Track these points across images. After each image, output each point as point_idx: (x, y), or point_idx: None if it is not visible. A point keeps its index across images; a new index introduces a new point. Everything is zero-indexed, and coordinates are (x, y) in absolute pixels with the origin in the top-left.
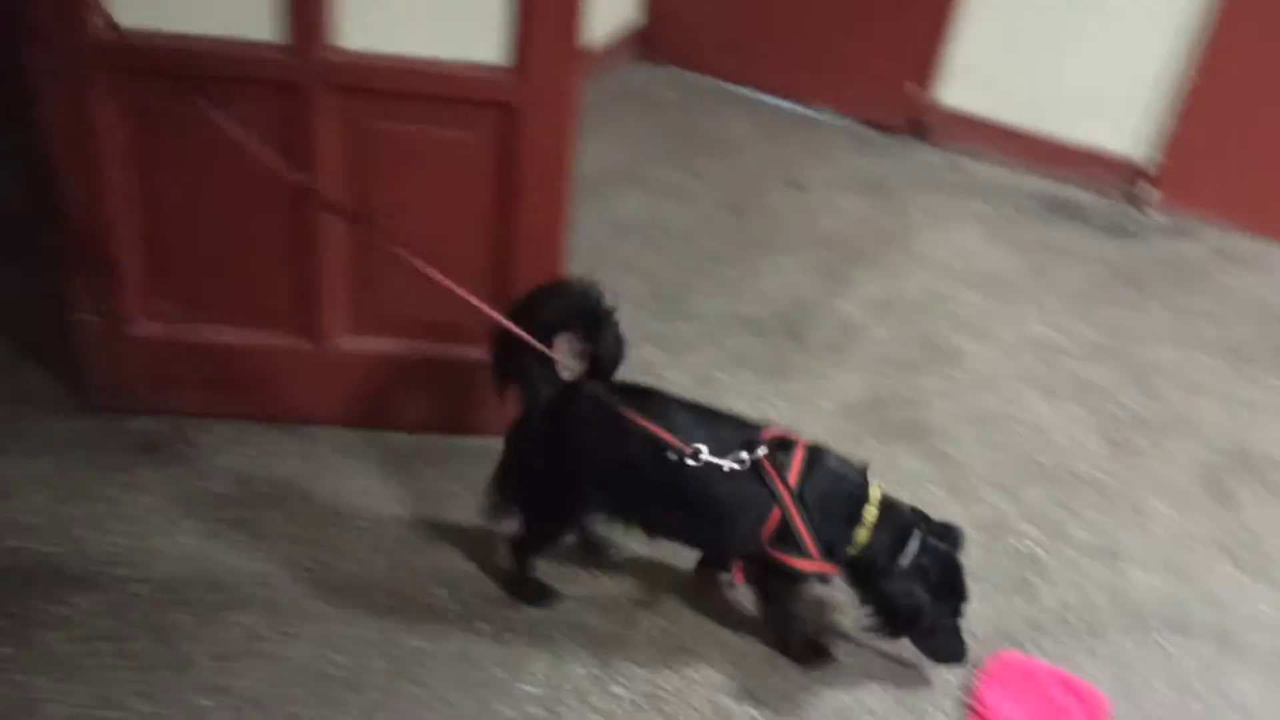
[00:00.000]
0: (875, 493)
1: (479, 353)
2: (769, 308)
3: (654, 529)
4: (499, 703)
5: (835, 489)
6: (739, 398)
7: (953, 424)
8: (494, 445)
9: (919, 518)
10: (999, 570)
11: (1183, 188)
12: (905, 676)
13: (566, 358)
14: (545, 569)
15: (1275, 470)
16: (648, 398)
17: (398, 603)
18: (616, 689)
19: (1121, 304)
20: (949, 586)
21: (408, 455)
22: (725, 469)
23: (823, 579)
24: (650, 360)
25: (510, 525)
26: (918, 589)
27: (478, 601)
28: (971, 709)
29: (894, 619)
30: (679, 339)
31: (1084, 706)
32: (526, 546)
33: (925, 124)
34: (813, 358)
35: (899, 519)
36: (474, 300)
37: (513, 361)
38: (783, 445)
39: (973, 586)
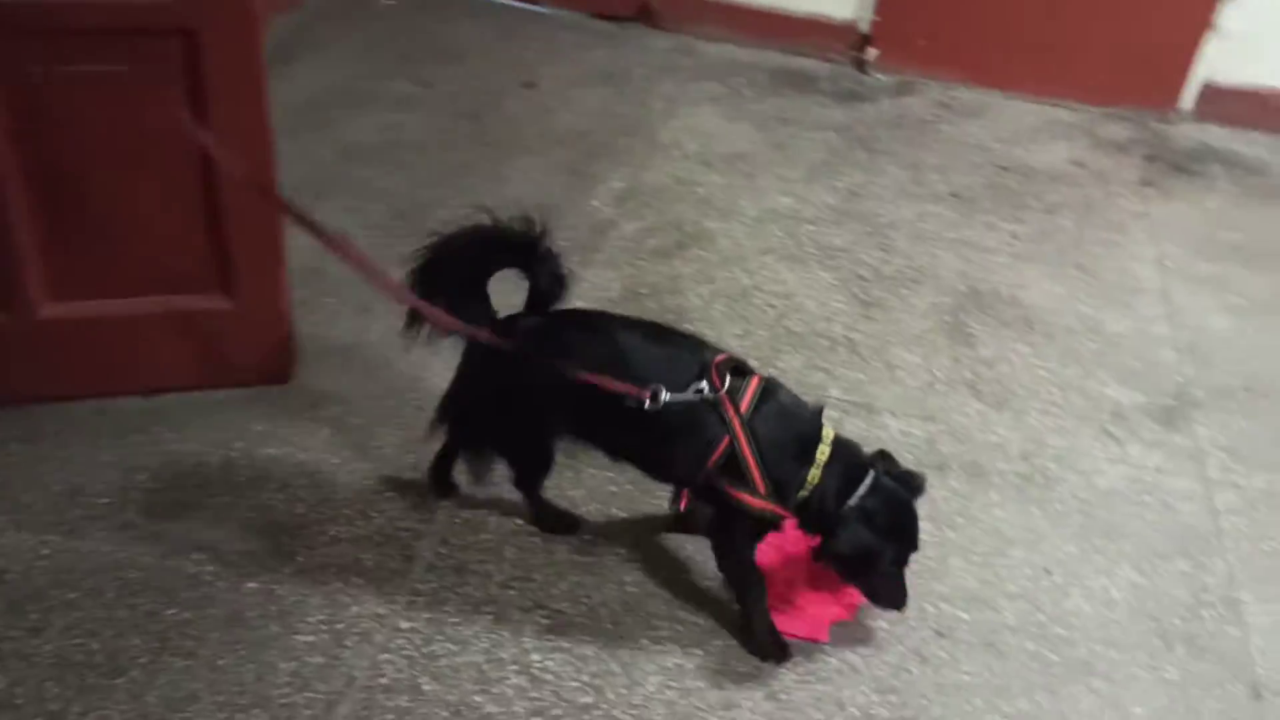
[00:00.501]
0: (828, 433)
1: (201, 302)
2: (517, 214)
3: (613, 452)
4: (279, 659)
5: (787, 425)
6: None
7: (707, 305)
8: (229, 396)
9: (876, 459)
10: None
11: (899, 46)
12: (684, 567)
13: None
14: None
15: (1003, 304)
16: (594, 323)
17: (153, 576)
18: (401, 622)
19: (857, 166)
20: (898, 531)
21: (142, 420)
22: (678, 400)
23: (772, 521)
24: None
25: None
26: (864, 531)
27: (241, 560)
28: None
29: (845, 565)
30: None
31: None
32: (525, 481)
33: (653, 9)
34: (566, 259)
35: (852, 459)
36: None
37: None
38: (737, 371)
39: None
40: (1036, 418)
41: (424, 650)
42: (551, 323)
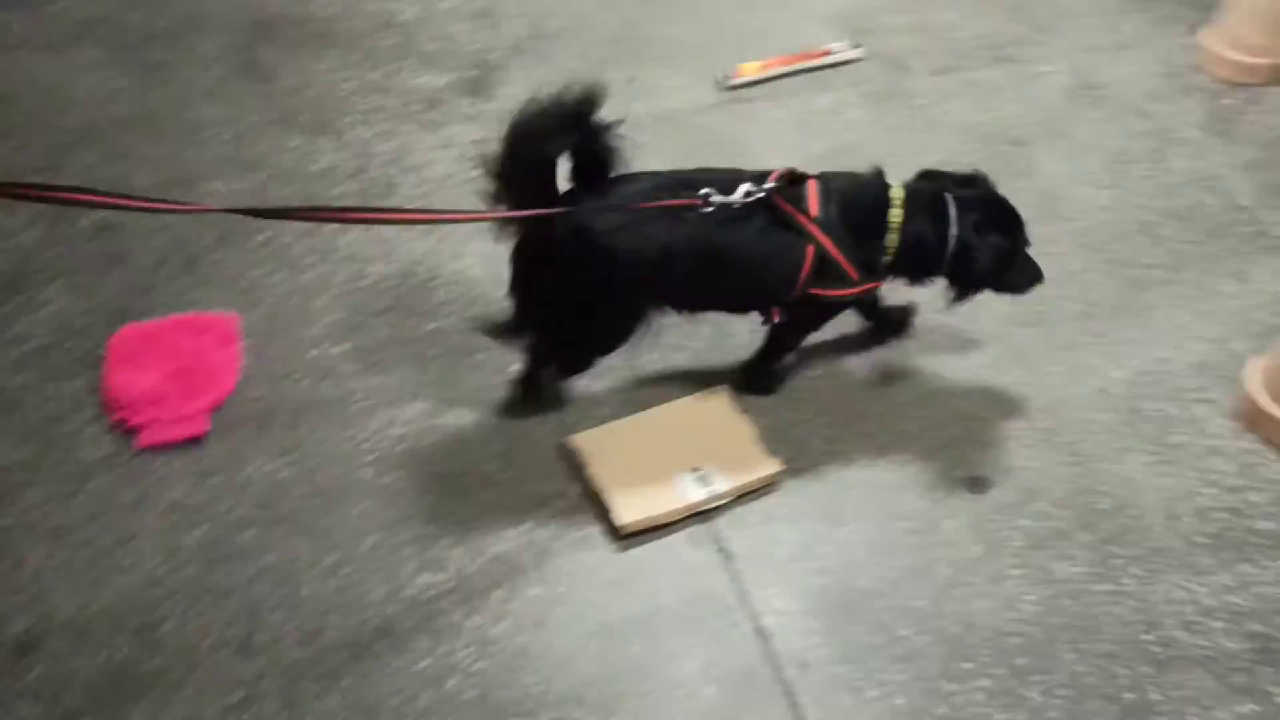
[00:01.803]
0: (896, 193)
1: None
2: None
3: (698, 305)
4: None
5: (858, 207)
6: None
7: None
8: None
9: (943, 184)
10: (81, 257)
11: None
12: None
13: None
14: None
15: (292, 26)
16: (649, 173)
17: None
18: None
19: None
20: (1007, 223)
21: None
22: (737, 205)
23: (865, 297)
24: None
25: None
26: (989, 240)
27: None
28: (108, 400)
29: (993, 277)
30: None
31: (214, 335)
32: (573, 368)
33: None
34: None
35: (924, 201)
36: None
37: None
38: (793, 180)
39: (61, 282)
40: (358, 130)
41: None
42: (615, 181)
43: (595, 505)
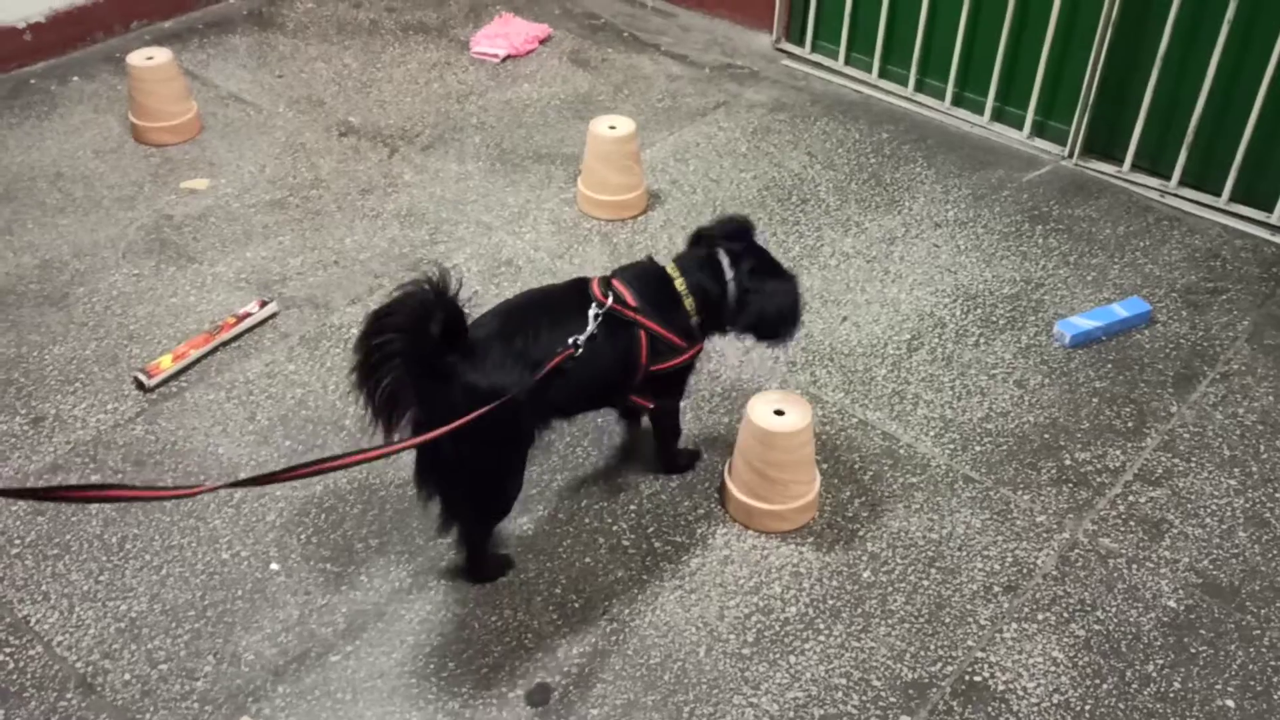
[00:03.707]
0: (671, 269)
1: None
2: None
3: (576, 411)
4: None
5: (656, 289)
6: None
7: None
8: None
9: (708, 239)
10: None
11: None
12: None
13: None
14: None
15: None
16: (509, 319)
17: None
18: None
19: None
20: (775, 268)
21: None
22: (594, 331)
23: (694, 364)
24: None
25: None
26: (767, 285)
27: None
28: None
29: (775, 324)
30: None
31: None
32: (490, 525)
33: None
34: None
35: (696, 261)
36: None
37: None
38: (605, 282)
39: None
40: None
41: None
42: (478, 343)
43: None
